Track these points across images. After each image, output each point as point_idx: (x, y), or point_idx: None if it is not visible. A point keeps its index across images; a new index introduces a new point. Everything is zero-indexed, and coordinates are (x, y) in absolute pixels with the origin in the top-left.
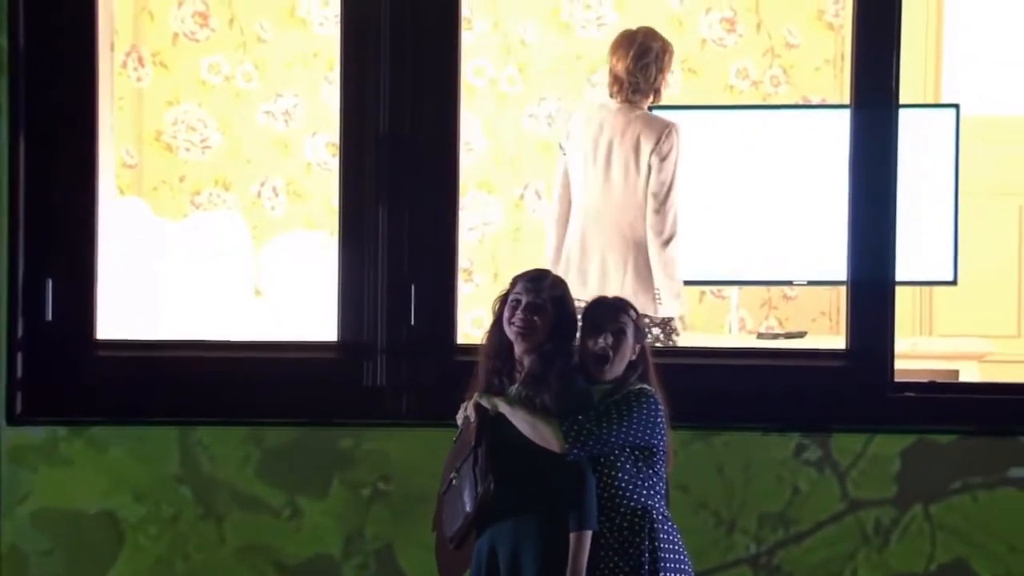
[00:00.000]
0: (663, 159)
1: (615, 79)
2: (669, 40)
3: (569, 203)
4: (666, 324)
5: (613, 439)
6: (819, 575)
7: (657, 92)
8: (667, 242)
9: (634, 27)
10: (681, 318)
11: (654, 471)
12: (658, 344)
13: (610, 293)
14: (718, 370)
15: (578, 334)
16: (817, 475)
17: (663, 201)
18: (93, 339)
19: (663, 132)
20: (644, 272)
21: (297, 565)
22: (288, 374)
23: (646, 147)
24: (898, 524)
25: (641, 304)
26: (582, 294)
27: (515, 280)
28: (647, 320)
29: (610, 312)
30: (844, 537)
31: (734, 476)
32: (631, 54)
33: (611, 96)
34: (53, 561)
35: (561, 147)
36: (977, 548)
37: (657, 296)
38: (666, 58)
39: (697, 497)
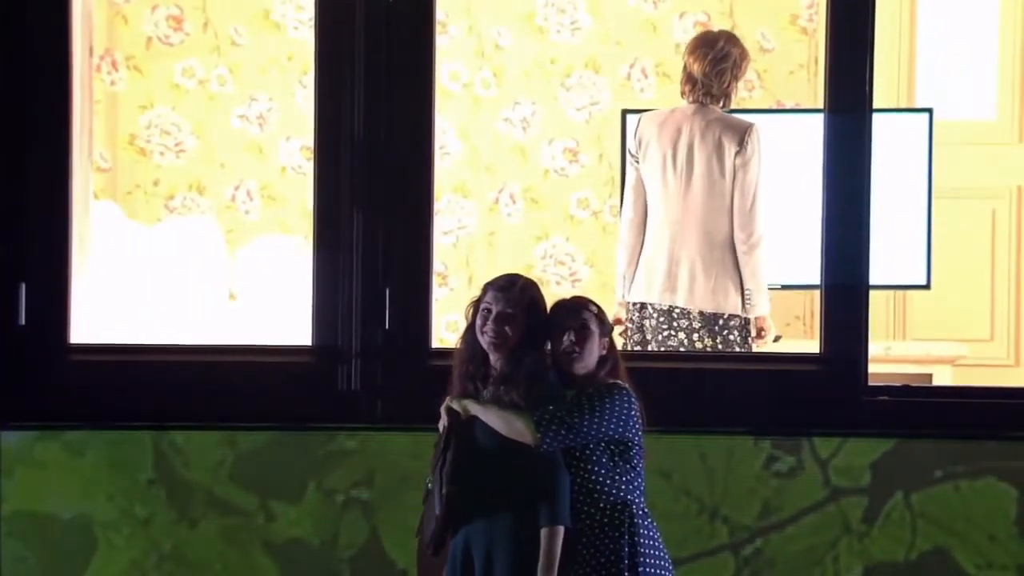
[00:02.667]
0: (747, 161)
1: (689, 78)
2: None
3: (644, 209)
4: (752, 323)
5: (585, 429)
6: (801, 563)
7: (728, 97)
8: (756, 244)
9: (716, 29)
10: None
11: (631, 466)
12: (745, 345)
13: (700, 296)
14: (692, 374)
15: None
16: (791, 483)
17: (750, 203)
18: (67, 344)
19: (745, 134)
20: (733, 273)
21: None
22: (263, 378)
23: (729, 150)
24: (879, 513)
25: (732, 304)
26: (672, 300)
27: (485, 288)
28: (737, 320)
29: (572, 310)
30: (825, 526)
31: (716, 465)
32: (709, 57)
33: (682, 95)
34: (28, 565)
35: (632, 153)
36: (958, 537)
37: (748, 297)
38: (743, 65)
39: (679, 484)
